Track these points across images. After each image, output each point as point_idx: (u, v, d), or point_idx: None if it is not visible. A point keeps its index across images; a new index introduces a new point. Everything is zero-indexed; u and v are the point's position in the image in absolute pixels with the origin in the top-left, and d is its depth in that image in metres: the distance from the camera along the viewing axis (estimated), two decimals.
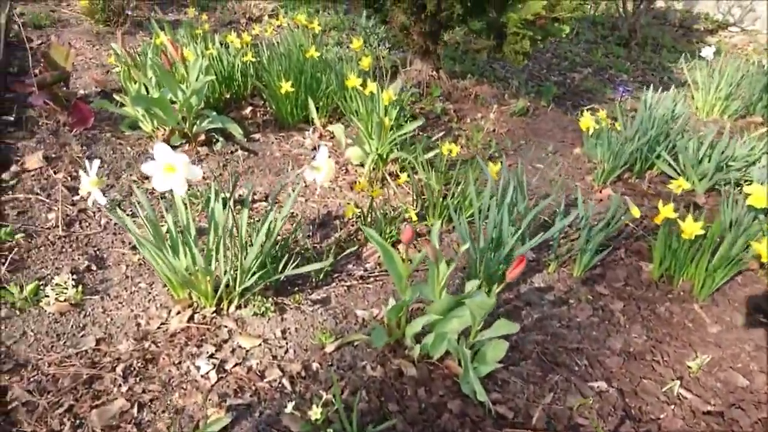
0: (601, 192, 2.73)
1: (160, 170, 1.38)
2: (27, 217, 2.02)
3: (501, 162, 2.13)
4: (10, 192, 2.13)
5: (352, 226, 2.27)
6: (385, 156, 2.55)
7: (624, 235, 2.38)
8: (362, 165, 2.70)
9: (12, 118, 2.63)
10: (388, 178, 2.51)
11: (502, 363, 1.60)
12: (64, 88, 2.75)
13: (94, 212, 2.13)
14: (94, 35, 3.87)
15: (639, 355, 1.78)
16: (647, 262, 2.22)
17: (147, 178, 2.39)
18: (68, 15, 4.15)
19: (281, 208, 2.23)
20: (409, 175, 2.33)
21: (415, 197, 2.40)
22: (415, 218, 2.17)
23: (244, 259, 1.69)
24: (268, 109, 3.15)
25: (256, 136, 2.90)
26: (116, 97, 2.76)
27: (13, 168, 2.27)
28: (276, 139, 2.90)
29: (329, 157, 1.62)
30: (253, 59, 3.06)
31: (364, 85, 2.63)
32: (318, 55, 3.03)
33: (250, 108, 3.12)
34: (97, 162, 1.48)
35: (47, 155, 2.38)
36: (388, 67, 3.58)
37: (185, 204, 1.69)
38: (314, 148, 2.87)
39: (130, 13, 4.06)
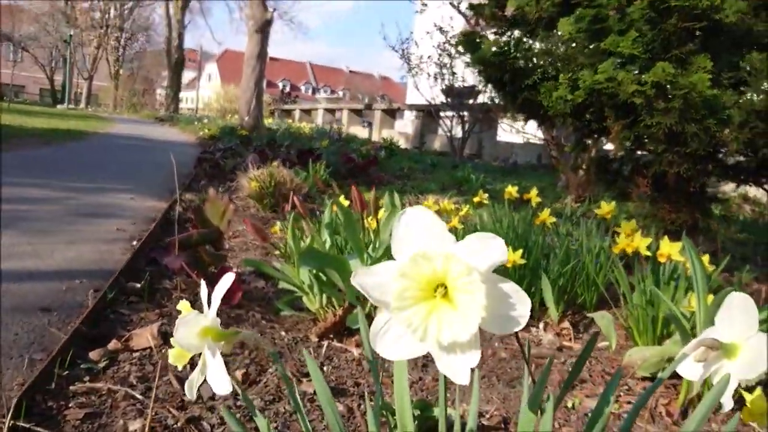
0: None
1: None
2: (95, 426, 1.09)
3: None
4: (86, 379, 1.25)
5: None
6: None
7: None
8: (653, 378, 1.57)
9: (138, 285, 1.91)
10: None
11: None
12: (212, 250, 2.05)
13: (213, 425, 1.15)
14: (259, 219, 3.35)
15: None
16: None
17: (306, 374, 1.44)
18: (238, 203, 3.76)
19: None
20: None
21: None
22: None
23: None
24: None
25: None
26: (276, 264, 1.99)
27: (111, 345, 1.43)
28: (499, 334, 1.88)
29: None
30: (459, 225, 2.22)
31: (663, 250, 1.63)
32: (552, 221, 2.14)
33: None
34: (230, 278, 0.55)
35: (165, 330, 1.54)
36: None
37: None
38: (559, 348, 1.81)
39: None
